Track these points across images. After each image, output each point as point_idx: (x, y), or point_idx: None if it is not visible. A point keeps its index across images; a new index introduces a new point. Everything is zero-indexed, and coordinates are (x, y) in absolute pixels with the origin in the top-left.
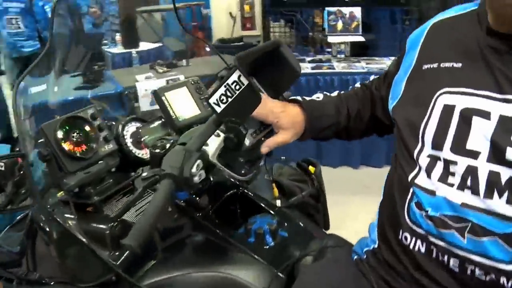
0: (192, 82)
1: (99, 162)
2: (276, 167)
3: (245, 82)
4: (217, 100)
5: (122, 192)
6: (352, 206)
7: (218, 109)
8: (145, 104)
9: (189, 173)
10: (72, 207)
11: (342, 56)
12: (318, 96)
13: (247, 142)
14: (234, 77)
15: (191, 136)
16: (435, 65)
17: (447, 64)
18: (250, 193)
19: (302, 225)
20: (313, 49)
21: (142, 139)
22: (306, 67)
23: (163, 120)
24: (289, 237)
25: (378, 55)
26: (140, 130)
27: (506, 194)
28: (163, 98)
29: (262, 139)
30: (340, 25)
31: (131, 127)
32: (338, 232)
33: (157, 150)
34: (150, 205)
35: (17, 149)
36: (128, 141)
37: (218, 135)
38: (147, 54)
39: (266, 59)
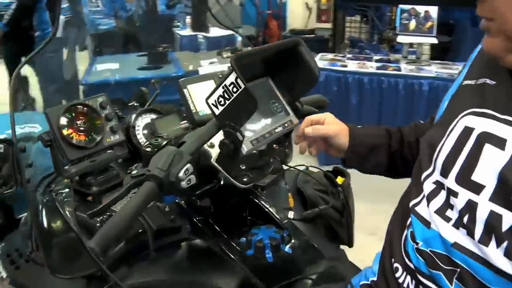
0: (221, 76)
1: (108, 151)
2: (302, 175)
3: (242, 85)
4: (215, 101)
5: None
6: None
7: (217, 111)
8: None
9: (175, 177)
10: (72, 194)
11: (413, 57)
12: None
13: (244, 149)
14: (231, 78)
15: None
16: (472, 82)
17: (482, 80)
18: (260, 201)
19: (311, 242)
20: (387, 47)
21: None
22: (370, 66)
23: (176, 110)
24: (293, 254)
25: (453, 60)
26: (155, 122)
27: (505, 244)
28: (185, 90)
29: (274, 146)
30: (412, 24)
31: (145, 119)
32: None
33: (149, 149)
34: (124, 207)
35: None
36: (140, 132)
37: None
38: (217, 40)
39: (284, 58)
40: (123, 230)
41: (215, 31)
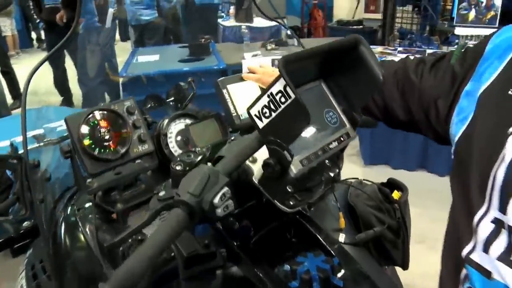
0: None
1: (136, 162)
2: (353, 189)
3: (292, 95)
4: (259, 112)
5: None
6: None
7: (260, 124)
8: None
9: (209, 205)
10: (94, 211)
11: None
12: None
13: (292, 171)
14: (279, 86)
15: (236, 147)
16: None
17: None
18: (306, 221)
19: (364, 271)
20: (439, 40)
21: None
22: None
23: (216, 115)
24: (344, 287)
25: None
26: (189, 128)
27: None
28: (225, 91)
29: (326, 162)
30: (472, 14)
31: (179, 124)
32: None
33: (178, 167)
34: (148, 242)
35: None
36: (173, 140)
37: None
38: (261, 31)
39: (340, 59)
40: (144, 272)
41: (259, 22)
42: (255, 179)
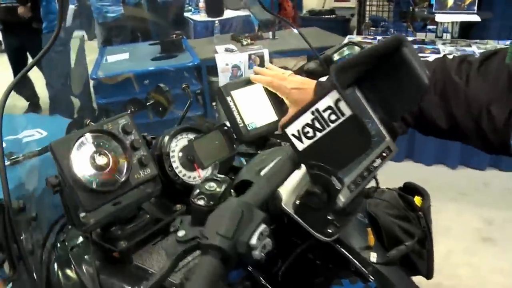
0: None
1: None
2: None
3: (347, 111)
4: (298, 132)
5: (161, 234)
6: (444, 216)
7: (300, 146)
8: (224, 79)
9: (246, 247)
10: (92, 249)
11: (448, 36)
12: None
13: (341, 199)
14: (329, 101)
15: (259, 168)
16: None
17: None
18: (335, 242)
19: None
20: (412, 27)
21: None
22: None
23: (222, 127)
24: None
25: (490, 37)
26: (193, 144)
27: None
28: (229, 98)
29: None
30: (451, 1)
31: (181, 140)
32: None
33: (201, 202)
34: None
35: None
36: (176, 159)
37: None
38: (229, 22)
39: (379, 63)
40: None
41: (229, 13)
42: (286, 206)
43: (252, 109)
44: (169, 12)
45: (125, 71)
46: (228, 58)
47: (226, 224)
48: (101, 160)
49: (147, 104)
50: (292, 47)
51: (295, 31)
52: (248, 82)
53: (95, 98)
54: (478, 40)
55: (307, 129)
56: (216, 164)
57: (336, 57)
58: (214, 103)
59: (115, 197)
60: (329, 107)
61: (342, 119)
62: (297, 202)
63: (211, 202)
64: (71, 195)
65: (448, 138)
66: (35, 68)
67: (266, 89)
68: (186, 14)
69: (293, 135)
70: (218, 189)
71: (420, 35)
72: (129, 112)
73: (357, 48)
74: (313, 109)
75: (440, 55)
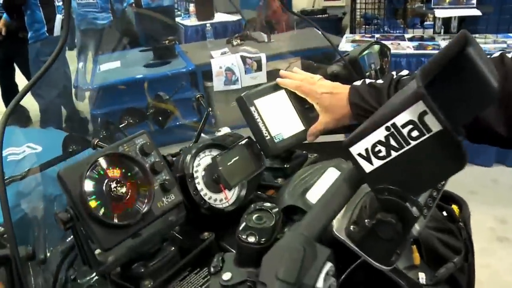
0: None
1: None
2: None
3: (435, 126)
4: (367, 151)
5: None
6: None
7: (368, 167)
8: (219, 83)
9: None
10: None
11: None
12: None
13: (416, 228)
14: (411, 114)
15: (302, 190)
16: None
17: None
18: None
19: None
20: (405, 24)
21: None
22: (407, 46)
23: (247, 141)
24: None
25: (491, 32)
26: (217, 162)
27: None
28: (253, 108)
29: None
30: None
31: (204, 159)
32: None
33: (252, 239)
34: None
35: None
36: (200, 180)
37: None
38: (223, 26)
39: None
40: None
41: (220, 17)
42: (339, 233)
43: (278, 119)
44: (159, 19)
45: (120, 80)
46: (221, 61)
47: (287, 266)
48: (119, 189)
49: (147, 114)
50: (288, 49)
51: (318, 31)
52: (271, 89)
53: (90, 108)
54: (477, 35)
55: (379, 147)
56: (244, 183)
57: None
58: (210, 109)
59: (137, 230)
60: (411, 122)
61: (427, 135)
62: (352, 228)
63: (263, 239)
64: (86, 231)
65: (508, 147)
66: (20, 79)
67: (291, 96)
68: (176, 19)
69: (359, 154)
70: (269, 222)
71: (412, 32)
72: (125, 124)
73: (376, 47)
74: (388, 124)
75: None
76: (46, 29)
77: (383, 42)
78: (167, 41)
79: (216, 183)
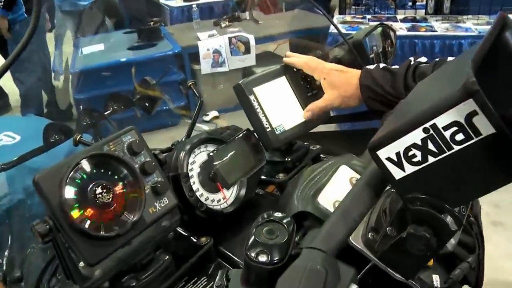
0: (295, 68)
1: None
2: None
3: (486, 129)
4: (398, 155)
5: (186, 276)
6: None
7: (399, 174)
8: (206, 66)
9: None
10: None
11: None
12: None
13: (452, 242)
14: (457, 114)
15: (313, 192)
16: None
17: None
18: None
19: None
20: (394, 4)
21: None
22: (400, 28)
23: (245, 133)
24: None
25: (484, 12)
26: (214, 158)
27: None
28: (252, 97)
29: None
30: None
31: (200, 155)
32: None
33: (263, 258)
34: None
35: None
36: (196, 179)
37: None
38: (209, 7)
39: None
40: None
41: None
42: (355, 242)
43: (279, 109)
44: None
45: (103, 63)
46: (208, 43)
47: None
48: (105, 195)
49: (134, 100)
50: (277, 31)
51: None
52: (271, 75)
53: (72, 93)
54: (470, 16)
55: (414, 151)
56: (243, 181)
57: (368, 41)
58: (202, 98)
59: (126, 242)
60: (456, 123)
61: (475, 139)
62: (370, 236)
63: (276, 258)
64: (67, 245)
65: None
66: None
67: (293, 83)
68: (161, 0)
69: (389, 159)
70: (282, 236)
71: (403, 13)
72: (110, 111)
73: (379, 29)
74: (427, 125)
75: (436, 33)
76: (24, 9)
77: (376, 23)
78: (152, 23)
79: (213, 182)
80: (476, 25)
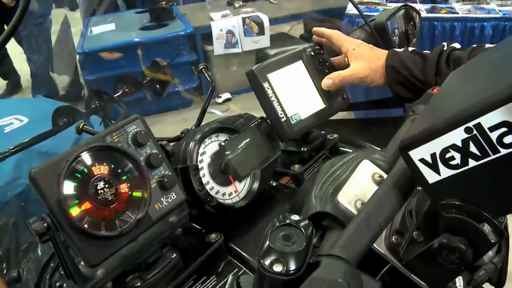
0: (312, 52)
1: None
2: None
3: None
4: (434, 156)
5: (194, 275)
6: None
7: (433, 177)
8: (219, 47)
9: None
10: None
11: None
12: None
13: (489, 254)
14: (506, 113)
15: (333, 189)
16: None
17: None
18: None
19: None
20: None
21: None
22: (419, 9)
23: (259, 122)
24: None
25: None
26: (226, 148)
27: None
28: (266, 85)
29: None
30: None
31: (210, 146)
32: None
33: (279, 268)
34: None
35: None
36: (206, 172)
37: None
38: None
39: None
40: None
41: None
42: (378, 245)
43: (295, 96)
44: None
45: (114, 44)
46: (221, 23)
47: None
48: (107, 191)
49: (144, 82)
50: (292, 12)
51: None
52: (287, 60)
53: (81, 73)
54: None
55: (452, 153)
56: (256, 173)
57: (389, 24)
58: (214, 83)
59: (130, 241)
60: (504, 124)
61: None
62: (394, 239)
63: (293, 268)
64: (68, 244)
65: None
66: (14, 44)
67: (310, 68)
68: None
69: (422, 160)
70: (299, 243)
71: None
72: (120, 93)
73: (402, 11)
74: (470, 124)
75: (457, 15)
76: None
77: (396, 4)
78: (164, 2)
79: (224, 174)
80: (500, 6)
